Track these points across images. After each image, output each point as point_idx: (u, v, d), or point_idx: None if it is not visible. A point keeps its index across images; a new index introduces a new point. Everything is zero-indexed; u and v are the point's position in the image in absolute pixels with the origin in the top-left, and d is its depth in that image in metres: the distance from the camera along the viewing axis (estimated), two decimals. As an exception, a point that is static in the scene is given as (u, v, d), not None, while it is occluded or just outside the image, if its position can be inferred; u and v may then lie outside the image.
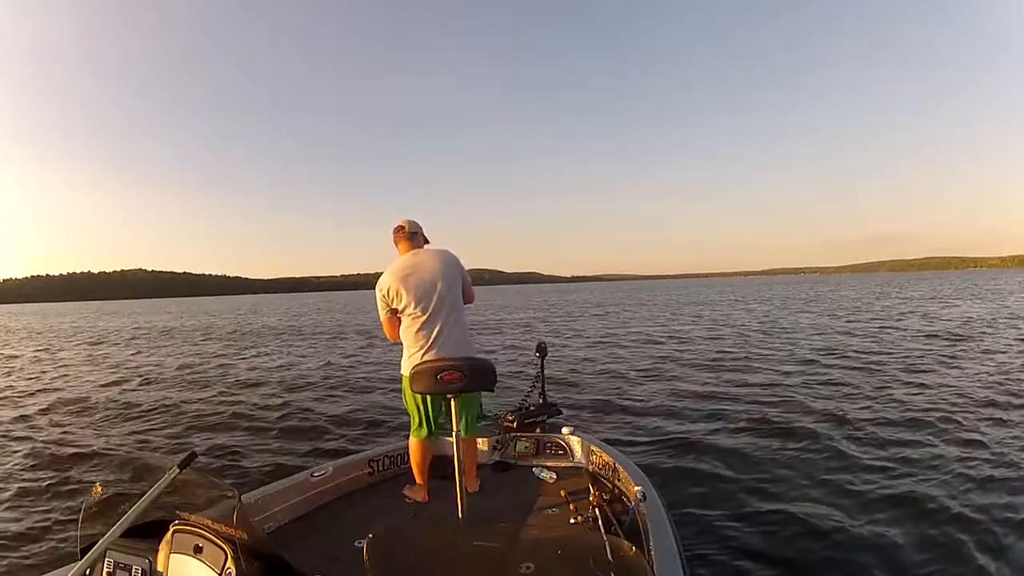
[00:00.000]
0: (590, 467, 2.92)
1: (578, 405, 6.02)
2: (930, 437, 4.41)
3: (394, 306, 2.48)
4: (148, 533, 1.47)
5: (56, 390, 8.52)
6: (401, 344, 2.57)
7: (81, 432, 5.67)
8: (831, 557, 2.71)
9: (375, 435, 5.15)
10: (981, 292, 29.38)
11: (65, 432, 5.67)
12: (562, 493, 2.59)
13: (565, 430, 3.14)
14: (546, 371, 3.48)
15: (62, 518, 3.39)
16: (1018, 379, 6.53)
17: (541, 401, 3.45)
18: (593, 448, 2.95)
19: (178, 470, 1.47)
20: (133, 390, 8.24)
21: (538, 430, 3.23)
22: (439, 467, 2.75)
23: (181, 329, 21.95)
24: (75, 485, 4.04)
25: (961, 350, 9.05)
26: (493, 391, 2.18)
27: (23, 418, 6.48)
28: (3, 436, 5.61)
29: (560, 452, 3.08)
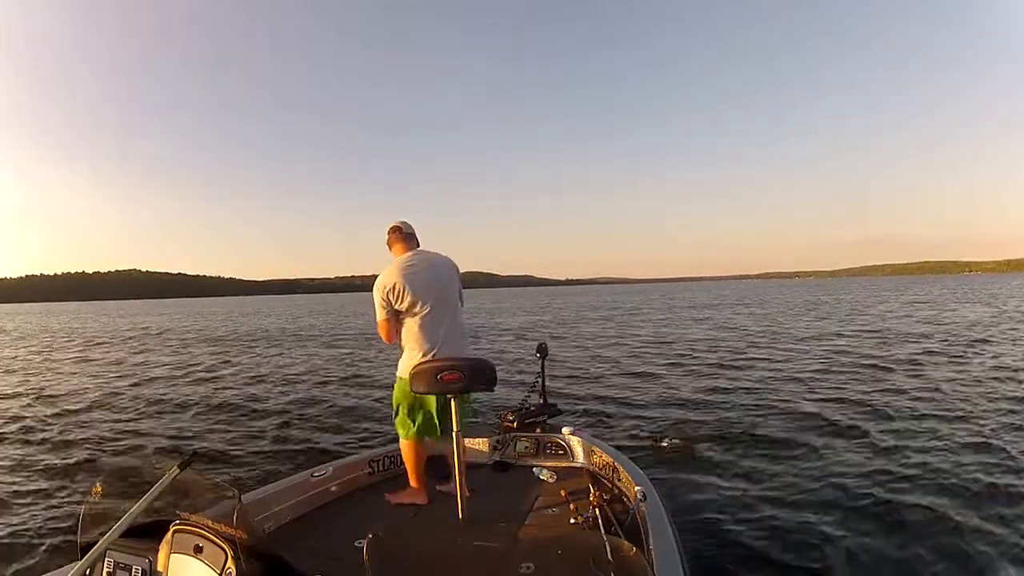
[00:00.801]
0: (590, 467, 2.92)
1: (578, 405, 6.03)
2: (934, 441, 4.41)
3: (396, 306, 2.41)
4: (148, 533, 1.46)
5: (55, 391, 8.52)
6: (396, 345, 2.52)
7: (81, 432, 5.66)
8: (832, 558, 2.71)
9: (375, 435, 5.15)
10: (981, 297, 29.39)
11: (65, 432, 5.66)
12: (562, 493, 2.59)
13: (565, 430, 3.14)
14: (546, 371, 3.48)
15: (62, 518, 3.39)
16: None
17: (541, 401, 3.45)
18: (593, 448, 2.95)
19: (178, 470, 1.46)
20: (133, 391, 8.24)
21: (538, 430, 3.22)
22: (438, 467, 2.74)
23: (177, 330, 21.91)
24: (75, 485, 4.04)
25: (964, 354, 9.05)
26: (493, 391, 2.18)
27: (22, 419, 6.47)
28: (3, 436, 5.61)
29: (560, 452, 3.08)
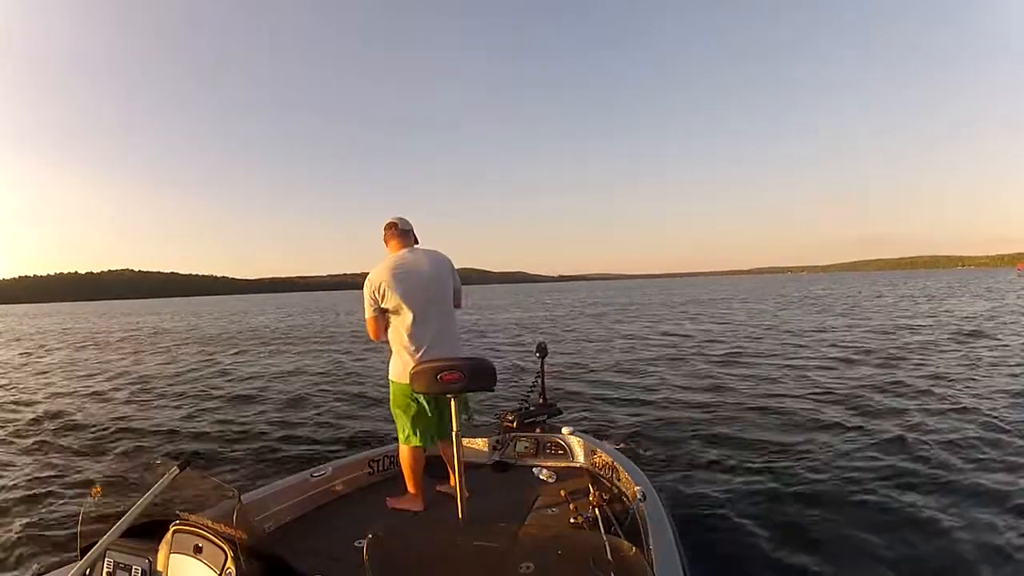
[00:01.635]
0: (590, 467, 2.92)
1: (578, 405, 6.02)
2: (936, 437, 4.40)
3: (384, 304, 2.38)
4: (148, 533, 1.47)
5: (54, 392, 8.52)
6: (385, 344, 2.49)
7: (80, 433, 5.66)
8: (832, 557, 2.71)
9: (375, 435, 5.15)
10: (980, 291, 29.42)
11: (64, 433, 5.66)
12: (562, 493, 2.59)
13: (565, 430, 3.14)
14: (546, 371, 3.48)
15: (62, 518, 3.39)
16: None
17: (541, 401, 3.45)
18: (593, 448, 2.95)
19: (178, 470, 1.47)
20: (132, 392, 8.23)
21: (538, 430, 3.23)
22: (437, 468, 2.75)
23: (173, 331, 21.85)
24: (75, 485, 4.04)
25: (961, 347, 9.05)
26: (493, 391, 2.18)
27: (22, 419, 6.48)
28: (2, 437, 5.61)
29: (560, 452, 3.08)
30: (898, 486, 3.45)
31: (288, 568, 1.42)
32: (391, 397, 2.52)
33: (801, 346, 10.39)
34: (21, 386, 9.08)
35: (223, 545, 1.32)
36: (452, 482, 2.56)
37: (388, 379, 2.51)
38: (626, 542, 1.25)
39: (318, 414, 6.16)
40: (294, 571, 1.43)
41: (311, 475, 2.67)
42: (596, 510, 2.19)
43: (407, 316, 2.38)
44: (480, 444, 3.19)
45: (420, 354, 2.36)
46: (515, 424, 3.25)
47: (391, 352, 2.48)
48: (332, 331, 18.73)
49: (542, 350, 3.42)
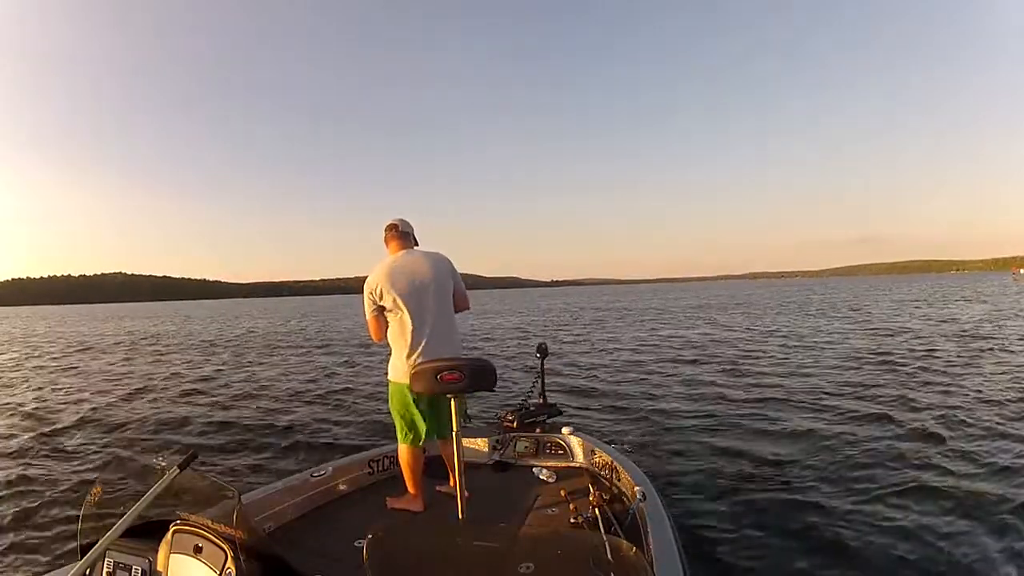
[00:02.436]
0: (590, 467, 2.92)
1: (578, 405, 6.03)
2: (935, 437, 4.41)
3: (382, 303, 2.40)
4: (148, 533, 1.46)
5: (53, 393, 8.52)
6: (384, 345, 2.50)
7: (80, 433, 5.66)
8: (832, 558, 2.71)
9: (375, 435, 5.15)
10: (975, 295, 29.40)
11: (64, 433, 5.66)
12: (562, 493, 2.59)
13: (565, 430, 3.14)
14: (546, 371, 3.48)
15: (62, 518, 3.39)
16: None
17: (541, 401, 3.45)
18: (593, 448, 2.95)
19: (178, 470, 1.46)
20: (131, 392, 8.24)
21: (538, 430, 3.23)
22: (437, 468, 2.74)
23: (169, 334, 21.79)
24: (75, 486, 4.04)
25: (961, 351, 9.05)
26: (493, 391, 2.18)
27: (21, 420, 6.48)
28: (2, 437, 5.61)
29: (560, 452, 3.07)
30: (899, 487, 3.45)
31: (288, 568, 1.42)
32: (390, 397, 2.52)
33: (804, 350, 10.41)
34: (19, 388, 9.07)
35: (223, 545, 1.32)
36: (452, 482, 2.56)
37: (387, 379, 2.52)
38: (626, 542, 1.25)
39: (318, 415, 6.16)
40: (294, 571, 1.42)
41: (311, 475, 2.67)
42: (596, 510, 2.19)
43: (406, 316, 2.38)
44: (480, 444, 3.19)
45: (419, 354, 2.36)
46: (515, 424, 3.25)
47: (391, 352, 2.48)
48: (328, 335, 18.68)
49: (542, 350, 3.42)
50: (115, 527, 1.34)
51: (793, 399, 5.96)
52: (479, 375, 2.06)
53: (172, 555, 1.39)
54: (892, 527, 2.95)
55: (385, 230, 2.55)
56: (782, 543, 2.85)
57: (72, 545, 1.47)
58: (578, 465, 2.98)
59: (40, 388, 8.84)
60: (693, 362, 9.06)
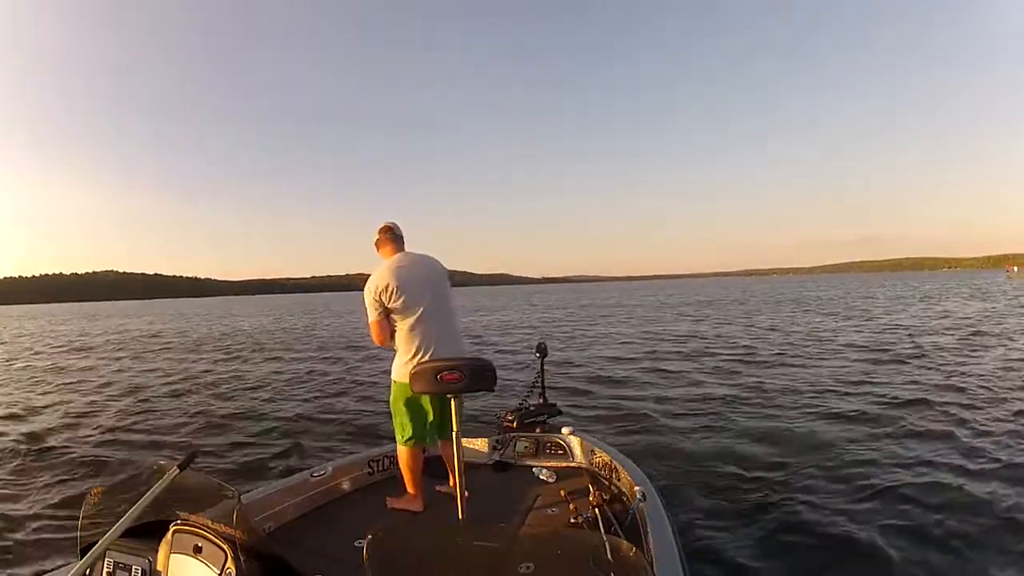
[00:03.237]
0: (590, 467, 2.92)
1: (578, 405, 6.03)
2: (934, 437, 4.41)
3: (389, 305, 2.38)
4: (148, 533, 1.46)
5: (52, 393, 8.52)
6: (386, 347, 2.49)
7: (80, 433, 5.66)
8: (832, 558, 2.71)
9: (375, 435, 5.15)
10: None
11: (64, 433, 5.67)
12: (562, 493, 2.59)
13: (565, 430, 3.14)
14: (546, 371, 3.47)
15: (62, 518, 3.39)
16: None
17: (541, 401, 3.45)
18: (593, 448, 2.95)
19: (178, 470, 1.46)
20: (131, 392, 8.24)
21: (538, 430, 3.22)
22: (437, 468, 2.74)
23: (166, 333, 21.69)
24: (75, 485, 4.04)
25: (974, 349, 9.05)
26: (493, 391, 2.18)
27: (21, 420, 6.48)
28: (2, 438, 5.61)
29: (560, 452, 3.07)
30: (900, 488, 3.45)
31: (288, 568, 1.42)
32: (392, 396, 2.52)
33: (801, 347, 10.41)
34: (16, 389, 9.06)
35: (223, 545, 1.32)
36: (452, 482, 2.55)
37: (391, 379, 2.52)
38: (626, 542, 1.25)
39: (318, 414, 6.16)
40: (294, 571, 1.42)
41: (311, 475, 2.67)
42: (596, 510, 2.19)
43: (412, 317, 2.39)
44: (480, 444, 3.19)
45: (426, 354, 2.37)
46: (515, 424, 3.25)
47: (396, 352, 2.48)
48: (324, 334, 18.62)
49: (542, 350, 3.42)
50: (115, 527, 1.34)
51: (793, 398, 5.96)
52: (479, 375, 2.06)
53: (172, 555, 1.39)
54: (893, 527, 2.95)
55: (378, 233, 2.55)
56: (782, 543, 2.85)
57: (72, 545, 1.47)
58: (578, 465, 2.98)
59: (37, 389, 8.83)
60: (692, 360, 9.05)
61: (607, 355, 10.32)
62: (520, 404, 3.47)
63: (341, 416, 6.03)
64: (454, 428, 2.12)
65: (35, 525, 3.35)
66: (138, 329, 24.66)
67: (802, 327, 14.00)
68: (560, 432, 3.14)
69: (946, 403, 5.46)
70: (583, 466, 2.95)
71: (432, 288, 2.45)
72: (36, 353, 15.14)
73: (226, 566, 1.30)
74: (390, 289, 2.37)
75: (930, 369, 7.43)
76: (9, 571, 2.83)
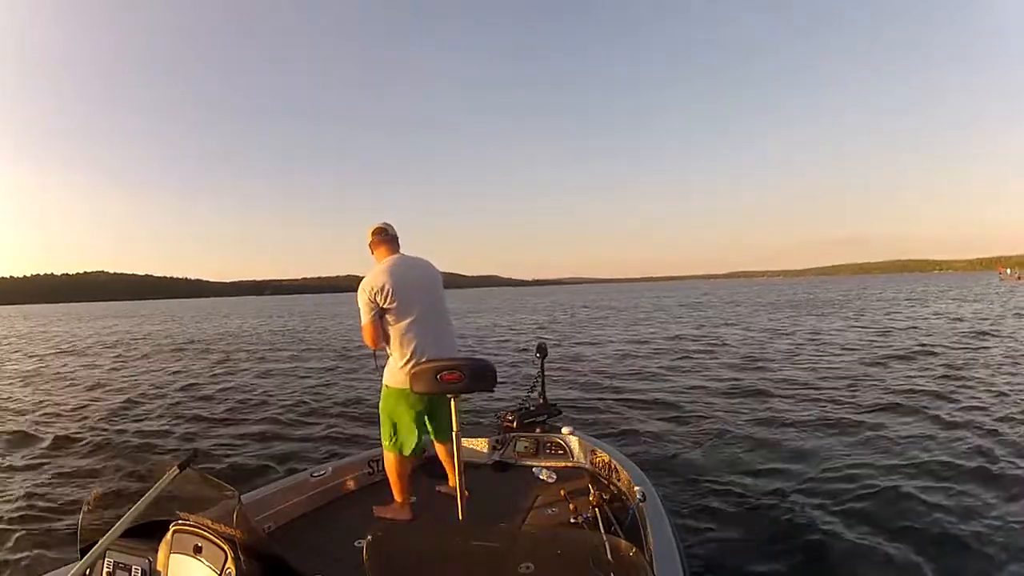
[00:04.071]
0: (590, 467, 2.92)
1: (578, 405, 6.02)
2: (932, 438, 4.40)
3: (384, 306, 2.34)
4: (148, 533, 1.46)
5: (52, 393, 8.52)
6: (379, 350, 2.45)
7: (80, 433, 5.66)
8: (832, 557, 2.71)
9: (374, 435, 5.15)
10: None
11: (64, 434, 5.66)
12: (562, 493, 2.59)
13: (565, 430, 3.14)
14: (546, 371, 3.48)
15: (62, 518, 3.39)
16: None
17: (541, 401, 3.45)
18: (593, 448, 2.95)
19: (178, 470, 1.46)
20: (130, 392, 8.23)
21: (538, 430, 3.23)
22: (437, 468, 2.74)
23: (163, 333, 21.56)
24: (75, 485, 4.04)
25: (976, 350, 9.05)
26: (493, 391, 2.18)
27: (22, 420, 6.48)
28: (2, 437, 5.61)
29: (560, 452, 3.08)
30: (900, 488, 3.44)
31: (288, 568, 1.42)
32: (383, 401, 2.47)
33: (799, 347, 10.41)
34: (15, 389, 9.06)
35: (223, 545, 1.32)
36: (452, 482, 2.55)
37: (382, 383, 2.47)
38: (626, 542, 1.25)
39: (318, 414, 6.16)
40: (294, 571, 1.42)
41: (311, 475, 2.67)
42: (596, 510, 2.19)
43: (407, 319, 2.36)
44: (480, 444, 3.19)
45: (421, 356, 2.34)
46: (515, 424, 3.25)
47: (388, 356, 2.45)
48: (320, 334, 18.60)
49: (542, 350, 3.42)
50: (115, 527, 1.34)
51: (794, 398, 5.96)
52: (479, 375, 2.06)
53: (172, 555, 1.39)
54: (893, 527, 2.94)
55: (372, 234, 2.51)
56: (782, 543, 2.85)
57: (72, 545, 1.47)
58: (578, 465, 2.98)
59: (36, 390, 8.83)
60: (692, 361, 9.05)
61: (607, 355, 10.32)
62: (520, 404, 3.47)
63: (342, 415, 6.03)
64: (454, 428, 2.12)
65: (35, 525, 3.34)
66: (131, 330, 24.55)
67: (801, 328, 14.00)
68: (560, 432, 3.14)
69: (948, 403, 5.46)
70: (583, 466, 2.95)
71: (426, 291, 2.44)
72: (32, 354, 15.12)
73: (226, 566, 1.29)
74: (385, 291, 2.33)
75: (935, 369, 7.43)
76: (9, 571, 2.83)
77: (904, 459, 3.91)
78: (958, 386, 6.22)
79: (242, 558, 1.30)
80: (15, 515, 3.51)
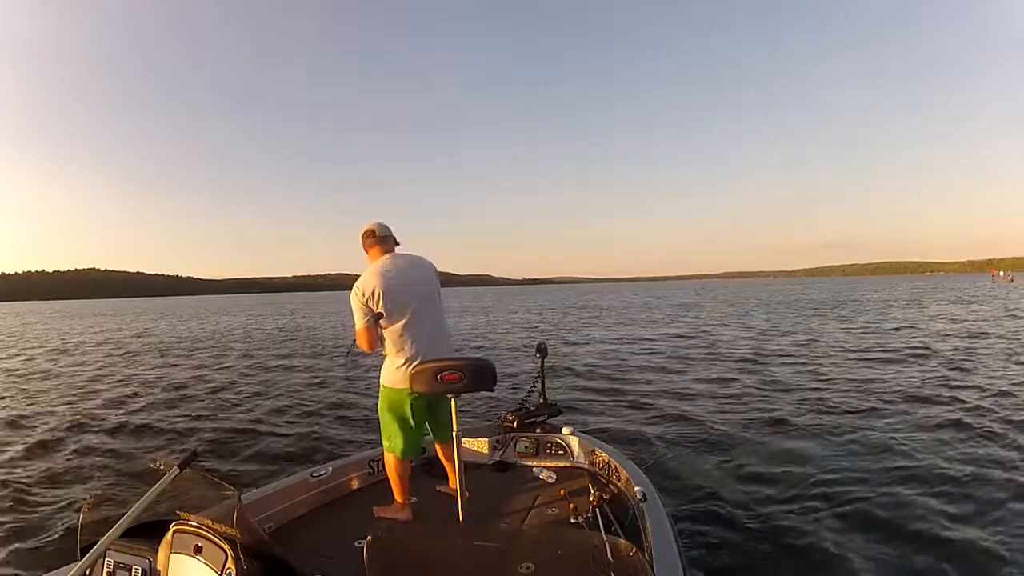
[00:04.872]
0: (590, 467, 2.92)
1: (578, 405, 6.02)
2: (934, 441, 4.40)
3: (377, 309, 2.30)
4: (148, 533, 1.46)
5: (52, 393, 8.51)
6: (375, 353, 2.42)
7: (80, 433, 5.66)
8: (832, 558, 2.71)
9: (374, 435, 5.15)
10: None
11: (64, 433, 5.66)
12: (562, 493, 2.59)
13: (565, 430, 3.14)
14: (546, 371, 3.47)
15: (62, 518, 3.39)
16: None
17: (541, 401, 3.45)
18: (593, 448, 2.95)
19: (178, 470, 1.46)
20: (126, 392, 8.22)
21: (538, 430, 3.22)
22: (437, 468, 2.74)
23: (152, 332, 21.51)
24: (75, 485, 4.04)
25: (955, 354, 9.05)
26: (493, 391, 2.17)
27: (22, 420, 6.47)
28: (2, 438, 5.61)
29: (560, 452, 3.07)
30: (901, 489, 3.45)
31: (288, 568, 1.42)
32: (381, 402, 2.45)
33: (799, 348, 10.41)
34: (13, 389, 9.05)
35: (223, 545, 1.32)
36: (452, 482, 2.55)
37: (380, 384, 2.45)
38: (626, 542, 1.25)
39: (318, 414, 6.16)
40: (294, 571, 1.42)
41: (311, 475, 2.67)
42: (596, 510, 2.19)
43: (402, 320, 2.34)
44: (480, 444, 3.19)
45: (416, 358, 2.32)
46: (515, 424, 3.25)
47: (384, 357, 2.43)
48: (317, 334, 18.54)
49: (542, 350, 3.42)
50: (115, 527, 1.34)
51: (793, 399, 5.96)
52: (479, 375, 2.06)
53: (172, 555, 1.39)
54: (893, 528, 2.95)
55: (363, 236, 2.48)
56: (782, 543, 2.85)
57: (72, 545, 1.47)
58: (578, 465, 2.98)
59: (35, 390, 8.82)
60: (692, 361, 9.05)
61: (606, 355, 10.32)
62: (520, 404, 3.47)
63: (340, 415, 6.03)
64: (454, 428, 2.11)
65: (35, 526, 3.34)
66: (125, 328, 24.47)
67: (800, 328, 14.01)
68: (560, 432, 3.13)
69: (949, 402, 5.46)
70: (583, 466, 2.95)
71: (421, 290, 2.41)
72: (28, 355, 15.10)
73: (226, 566, 1.29)
74: (376, 294, 2.30)
75: (937, 369, 7.43)
76: (9, 571, 2.82)
77: (904, 460, 3.91)
78: (958, 386, 6.22)
79: (242, 558, 1.29)
80: (15, 515, 3.50)
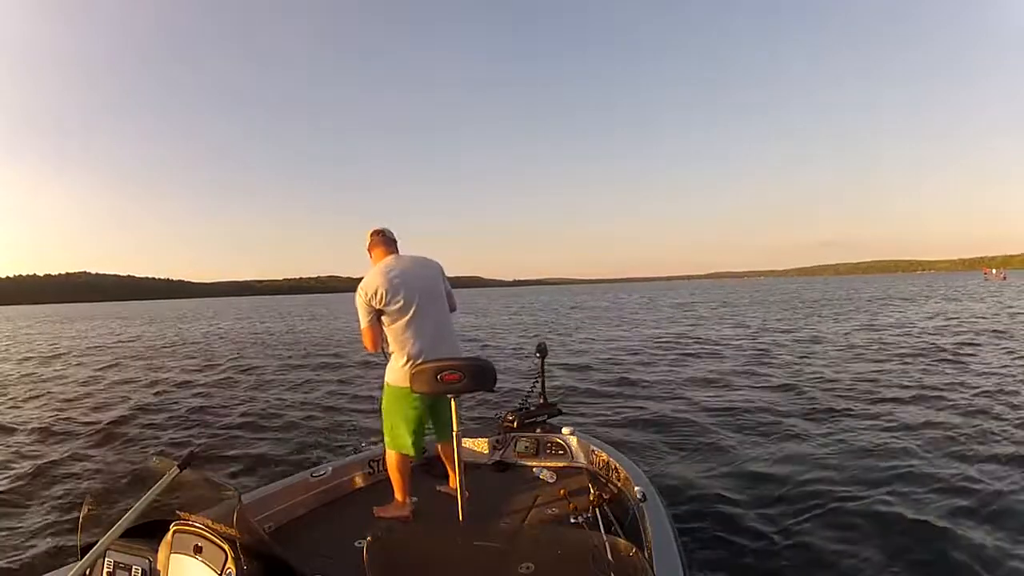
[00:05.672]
0: (590, 467, 2.92)
1: (578, 405, 6.02)
2: (935, 441, 4.40)
3: (380, 307, 2.33)
4: (148, 533, 1.46)
5: (52, 393, 8.51)
6: (379, 353, 2.44)
7: (80, 433, 5.66)
8: (832, 558, 2.71)
9: (374, 436, 5.15)
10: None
11: (63, 433, 5.66)
12: (562, 493, 2.59)
13: (565, 430, 3.14)
14: (546, 371, 3.47)
15: (62, 518, 3.39)
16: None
17: (541, 401, 3.45)
18: (593, 448, 2.95)
19: (178, 470, 1.46)
20: (130, 392, 8.23)
21: (538, 430, 3.22)
22: (437, 467, 2.74)
23: (147, 335, 21.36)
24: (75, 485, 4.04)
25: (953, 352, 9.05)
26: (493, 391, 2.17)
27: (22, 420, 6.47)
28: (2, 438, 5.61)
29: (560, 452, 3.08)
30: (901, 490, 3.45)
31: (288, 568, 1.42)
32: (384, 400, 2.48)
33: (798, 348, 10.41)
34: (13, 389, 9.05)
35: (223, 545, 1.32)
36: (452, 482, 2.55)
37: (384, 382, 2.47)
38: (626, 542, 1.25)
39: (317, 414, 6.16)
40: (294, 571, 1.42)
41: (311, 475, 2.67)
42: (596, 510, 2.19)
43: (406, 319, 2.35)
44: (480, 444, 3.19)
45: (420, 356, 2.33)
46: (515, 424, 3.25)
47: (389, 356, 2.44)
48: (314, 334, 18.54)
49: (542, 350, 3.42)
50: (115, 527, 1.34)
51: (794, 399, 5.95)
52: (479, 375, 2.06)
53: (172, 555, 1.39)
54: (893, 529, 2.94)
55: (370, 236, 2.53)
56: (782, 543, 2.85)
57: (72, 545, 1.47)
58: (578, 465, 2.98)
59: (35, 390, 8.83)
60: (692, 361, 9.05)
61: (605, 355, 10.31)
62: (520, 404, 3.47)
63: (342, 416, 6.03)
64: (454, 428, 2.11)
65: (34, 526, 3.34)
66: (121, 331, 24.37)
67: (799, 328, 14.00)
68: (560, 432, 3.14)
69: (949, 403, 5.46)
70: (583, 466, 2.95)
71: (424, 289, 2.42)
72: (25, 356, 15.10)
73: (226, 566, 1.29)
74: (379, 293, 2.32)
75: (938, 369, 7.43)
76: (10, 571, 2.82)
77: (904, 459, 3.91)
78: (958, 385, 6.22)
79: (242, 558, 1.30)
80: (14, 515, 3.51)
